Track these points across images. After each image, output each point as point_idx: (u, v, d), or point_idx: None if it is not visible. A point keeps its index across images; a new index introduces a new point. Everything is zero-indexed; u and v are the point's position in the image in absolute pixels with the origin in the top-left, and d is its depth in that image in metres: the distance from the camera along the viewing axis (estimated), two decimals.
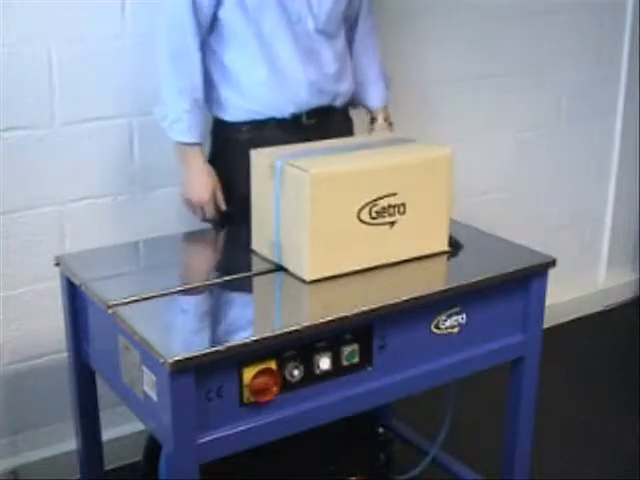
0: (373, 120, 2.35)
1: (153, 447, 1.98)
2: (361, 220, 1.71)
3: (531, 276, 1.81)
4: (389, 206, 1.74)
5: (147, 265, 1.99)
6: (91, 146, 2.26)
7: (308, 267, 1.69)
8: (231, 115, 2.13)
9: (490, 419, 2.34)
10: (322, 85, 2.12)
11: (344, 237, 1.70)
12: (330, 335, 1.56)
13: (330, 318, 1.54)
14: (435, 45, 2.84)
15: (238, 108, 2.12)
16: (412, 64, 2.79)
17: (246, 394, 1.49)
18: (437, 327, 1.72)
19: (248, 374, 1.48)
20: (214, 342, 1.49)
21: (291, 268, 1.74)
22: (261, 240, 1.83)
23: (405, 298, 1.63)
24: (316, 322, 1.54)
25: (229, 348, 1.44)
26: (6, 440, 2.35)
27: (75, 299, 1.81)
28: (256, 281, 1.78)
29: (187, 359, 1.40)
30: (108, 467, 2.08)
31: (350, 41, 2.28)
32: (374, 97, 2.34)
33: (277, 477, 2.06)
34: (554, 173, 3.32)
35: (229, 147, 2.15)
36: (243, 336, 1.49)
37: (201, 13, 2.01)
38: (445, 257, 1.85)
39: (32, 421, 2.37)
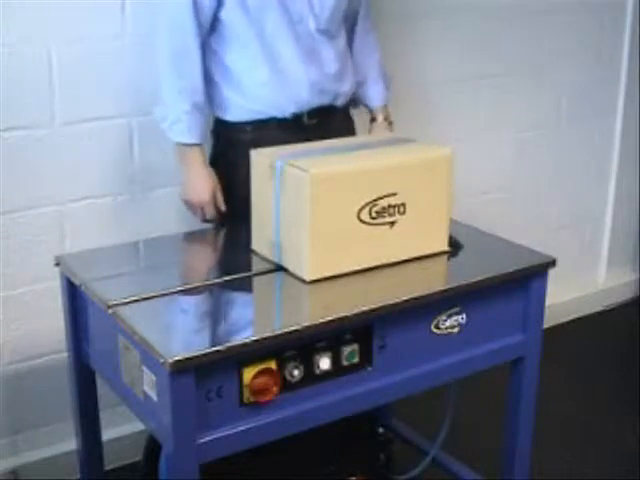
0: (373, 119, 2.36)
1: (153, 447, 1.98)
2: (361, 220, 1.71)
3: (531, 276, 1.81)
4: (389, 206, 1.74)
5: (147, 265, 1.99)
6: (91, 146, 2.26)
7: (308, 267, 1.69)
8: (232, 115, 2.13)
9: (490, 419, 2.34)
10: (323, 85, 2.12)
11: (344, 237, 1.70)
12: (330, 335, 1.56)
13: (330, 318, 1.54)
14: (435, 45, 2.84)
15: (239, 108, 2.12)
16: (412, 64, 2.79)
17: (246, 394, 1.49)
18: (437, 327, 1.72)
19: (248, 374, 1.48)
20: (214, 342, 1.49)
21: (291, 268, 1.74)
22: (261, 240, 1.83)
23: (405, 298, 1.63)
24: (316, 322, 1.54)
25: (229, 348, 1.44)
26: (6, 440, 2.35)
27: (75, 299, 1.81)
28: (256, 281, 1.78)
29: (187, 359, 1.40)
30: (108, 467, 2.08)
31: (350, 41, 2.28)
32: (374, 96, 2.34)
33: (277, 477, 2.06)
34: (554, 173, 3.32)
35: (231, 147, 2.15)
36: (243, 336, 1.49)
37: (202, 14, 2.01)
38: (445, 257, 1.85)
39: (32, 421, 2.37)
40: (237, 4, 2.01)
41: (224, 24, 2.05)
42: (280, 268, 1.77)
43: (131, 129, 2.30)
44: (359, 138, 2.20)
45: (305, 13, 2.07)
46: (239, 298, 1.78)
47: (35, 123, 2.17)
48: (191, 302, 1.71)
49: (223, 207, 2.14)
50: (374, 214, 1.72)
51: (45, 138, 2.19)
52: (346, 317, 1.56)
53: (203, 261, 2.02)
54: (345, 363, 1.60)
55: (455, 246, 1.89)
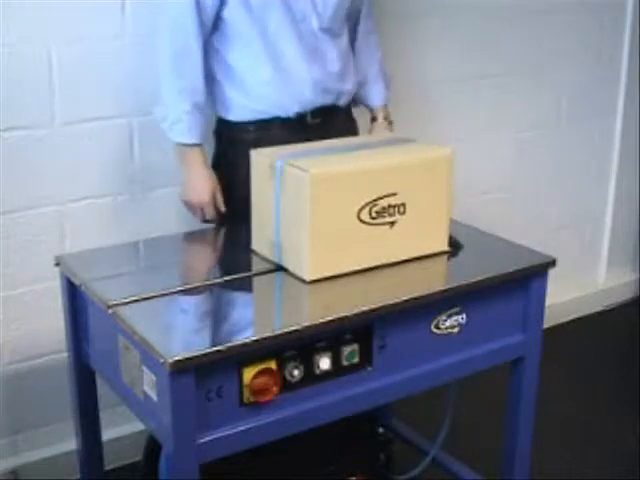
0: (373, 119, 2.36)
1: (153, 447, 1.98)
2: (361, 220, 1.71)
3: (531, 276, 1.81)
4: (389, 206, 1.74)
5: (147, 265, 1.99)
6: (91, 146, 2.26)
7: (308, 267, 1.69)
8: (235, 115, 2.13)
9: (490, 419, 2.34)
10: (326, 84, 2.12)
11: (344, 237, 1.70)
12: (330, 335, 1.56)
13: (330, 318, 1.54)
14: (435, 45, 2.84)
15: (242, 108, 2.11)
16: (412, 64, 2.79)
17: (246, 394, 1.49)
18: (437, 327, 1.72)
19: (248, 374, 1.48)
20: (214, 342, 1.48)
21: (291, 268, 1.74)
22: (261, 240, 1.83)
23: (405, 298, 1.63)
24: (316, 322, 1.54)
25: (229, 348, 1.44)
26: (6, 440, 2.35)
27: (75, 299, 1.81)
28: (256, 281, 1.78)
29: (187, 359, 1.40)
30: (108, 467, 2.08)
31: (352, 40, 2.28)
32: (374, 96, 2.34)
33: (277, 477, 2.06)
34: (554, 173, 3.32)
35: (234, 147, 2.15)
36: (243, 336, 1.49)
37: (204, 13, 2.01)
38: (445, 257, 1.85)
39: (32, 421, 2.37)
40: (240, 3, 2.01)
41: (227, 23, 2.05)
42: (280, 268, 1.77)
43: (131, 129, 2.30)
44: (359, 138, 2.20)
45: (308, 12, 2.06)
46: (239, 298, 1.78)
47: (35, 123, 2.17)
48: (191, 302, 1.71)
49: (223, 208, 2.14)
50: (374, 214, 1.72)
51: (45, 138, 2.19)
52: (346, 317, 1.56)
53: (203, 261, 2.02)
54: (345, 363, 1.60)
55: (455, 246, 1.89)
